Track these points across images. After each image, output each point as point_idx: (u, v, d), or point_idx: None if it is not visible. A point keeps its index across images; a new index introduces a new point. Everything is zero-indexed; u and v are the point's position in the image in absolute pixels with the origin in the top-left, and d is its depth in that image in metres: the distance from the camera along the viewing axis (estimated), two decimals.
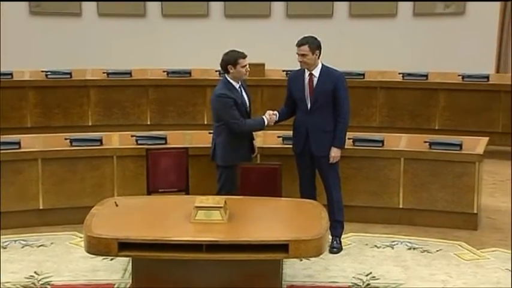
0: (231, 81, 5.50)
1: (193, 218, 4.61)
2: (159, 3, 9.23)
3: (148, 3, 9.26)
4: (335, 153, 5.50)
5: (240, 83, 5.54)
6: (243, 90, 5.56)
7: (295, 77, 5.68)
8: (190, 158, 5.95)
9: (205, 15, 9.21)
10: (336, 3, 8.94)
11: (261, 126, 5.59)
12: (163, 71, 8.17)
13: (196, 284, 4.58)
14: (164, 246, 4.36)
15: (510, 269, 5.30)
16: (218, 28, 9.18)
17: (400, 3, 8.81)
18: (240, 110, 5.46)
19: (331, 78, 5.53)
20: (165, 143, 6.15)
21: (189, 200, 4.89)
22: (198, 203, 4.67)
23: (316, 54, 5.52)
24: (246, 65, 5.48)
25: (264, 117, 5.57)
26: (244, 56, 5.49)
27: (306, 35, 5.59)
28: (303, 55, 5.51)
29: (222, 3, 9.15)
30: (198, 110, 8.05)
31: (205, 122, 7.91)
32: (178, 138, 6.35)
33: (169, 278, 4.56)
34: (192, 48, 9.06)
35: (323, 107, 5.49)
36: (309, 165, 5.60)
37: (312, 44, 5.50)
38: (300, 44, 5.52)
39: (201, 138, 6.35)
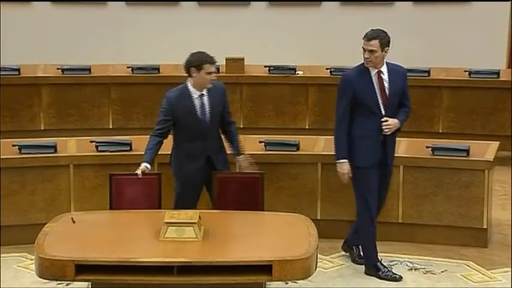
0: (190, 87, 5.42)
1: (163, 235, 4.60)
2: None
3: None
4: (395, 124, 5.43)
5: (202, 93, 5.42)
6: (205, 102, 5.44)
7: (357, 79, 5.47)
8: (160, 167, 5.95)
9: (176, 3, 9.20)
10: None
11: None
12: (128, 67, 8.15)
13: None
14: (129, 268, 4.33)
15: None
16: (190, 18, 9.18)
17: None
18: (184, 123, 5.40)
19: (399, 75, 5.55)
20: (130, 150, 6.15)
21: (158, 215, 4.87)
22: (168, 218, 4.65)
23: (386, 52, 5.45)
24: (212, 72, 5.38)
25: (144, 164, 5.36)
26: (212, 62, 5.38)
27: (374, 28, 5.52)
28: (371, 51, 5.38)
29: None
30: None
31: None
32: (143, 144, 6.31)
33: None
34: (161, 41, 9.05)
35: (395, 108, 5.49)
36: (378, 177, 5.52)
37: (383, 39, 5.44)
38: (369, 38, 5.41)
39: (171, 144, 6.34)
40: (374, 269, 5.56)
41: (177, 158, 5.55)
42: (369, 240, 5.58)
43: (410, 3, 8.91)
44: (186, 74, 5.45)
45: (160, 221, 4.64)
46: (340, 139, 5.48)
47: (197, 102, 5.42)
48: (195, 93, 5.43)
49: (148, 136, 5.49)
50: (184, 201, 5.41)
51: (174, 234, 4.59)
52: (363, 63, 5.50)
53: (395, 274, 5.54)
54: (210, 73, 5.37)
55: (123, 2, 9.21)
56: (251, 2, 9.16)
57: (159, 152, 6.20)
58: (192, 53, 5.46)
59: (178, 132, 5.50)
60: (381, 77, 5.48)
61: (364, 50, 5.42)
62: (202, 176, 5.47)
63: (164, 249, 4.52)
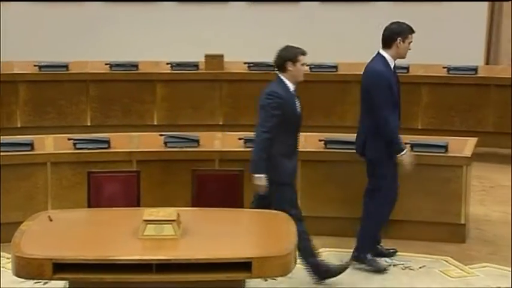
0: (287, 82, 5.34)
1: (142, 233, 4.56)
2: None
3: None
4: None
5: (295, 87, 5.36)
6: (296, 98, 5.39)
7: (390, 73, 5.66)
8: (139, 164, 5.93)
9: (155, 1, 9.16)
10: None
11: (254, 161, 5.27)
12: (106, 64, 8.10)
13: None
14: (107, 266, 4.30)
15: (501, 287, 5.40)
16: (170, 15, 9.15)
17: None
18: (288, 121, 5.29)
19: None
20: (108, 147, 6.12)
21: (136, 213, 4.83)
22: (147, 216, 4.62)
23: None
24: (304, 64, 5.36)
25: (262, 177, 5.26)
26: (305, 53, 5.33)
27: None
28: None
29: None
30: (147, 109, 8.01)
31: (155, 123, 7.88)
32: (123, 142, 6.32)
33: None
34: (140, 38, 9.02)
35: None
36: None
37: None
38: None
39: (150, 141, 6.33)
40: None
41: (273, 159, 5.27)
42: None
43: (391, 1, 8.94)
44: (276, 70, 5.36)
45: (139, 219, 4.61)
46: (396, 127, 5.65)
47: (294, 97, 5.37)
48: (291, 87, 5.35)
49: (259, 134, 5.24)
50: (296, 205, 5.38)
51: (153, 232, 4.56)
52: (381, 56, 5.66)
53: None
54: (304, 64, 5.33)
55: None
56: (230, 1, 9.15)
57: (138, 149, 6.24)
58: (281, 49, 5.36)
59: (277, 130, 5.28)
60: (396, 71, 5.80)
61: (409, 43, 5.66)
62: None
63: (143, 247, 4.49)
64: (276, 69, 5.38)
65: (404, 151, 5.58)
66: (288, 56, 5.28)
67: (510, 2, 8.97)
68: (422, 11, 8.87)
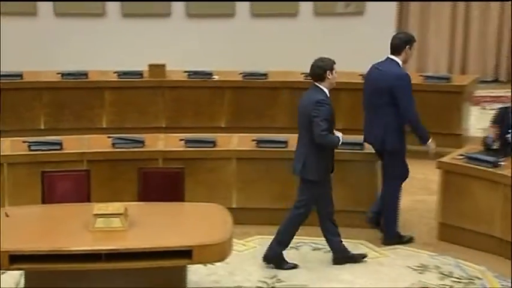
0: (324, 89, 5.35)
1: (92, 226, 4.53)
2: (52, 1, 8.99)
3: (40, 1, 9.00)
4: None
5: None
6: None
7: None
8: (89, 164, 5.86)
9: (102, 15, 9.04)
10: (237, 2, 8.99)
11: (337, 144, 5.41)
12: (58, 73, 7.96)
13: None
14: (60, 257, 4.26)
15: (410, 265, 5.51)
16: (116, 28, 9.03)
17: (301, 2, 8.96)
18: (332, 122, 5.35)
19: None
20: (61, 149, 6.03)
21: (87, 208, 4.79)
22: (97, 210, 4.59)
23: None
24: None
25: (338, 135, 5.41)
26: (335, 62, 5.44)
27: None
28: None
29: (119, 2, 9.01)
30: (96, 113, 7.89)
31: (104, 126, 7.78)
32: (74, 143, 6.23)
33: None
34: (88, 49, 8.88)
35: None
36: None
37: None
38: None
39: (99, 143, 6.27)
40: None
41: (319, 160, 5.35)
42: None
43: (312, 14, 9.01)
44: (315, 81, 5.39)
45: (90, 213, 4.58)
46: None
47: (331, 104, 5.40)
48: (328, 94, 5.38)
49: (324, 136, 5.27)
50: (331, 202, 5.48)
51: (102, 225, 4.53)
52: (394, 61, 5.83)
53: None
54: (336, 72, 5.40)
55: (53, 13, 8.99)
56: (171, 14, 9.08)
57: (88, 150, 6.15)
58: (317, 61, 5.40)
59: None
60: None
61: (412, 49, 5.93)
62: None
63: (93, 239, 4.46)
64: (314, 79, 5.39)
65: (430, 139, 5.82)
66: (327, 66, 5.34)
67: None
68: (340, 24, 8.98)
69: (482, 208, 5.67)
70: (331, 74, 5.36)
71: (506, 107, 5.99)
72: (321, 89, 5.37)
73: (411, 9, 9.37)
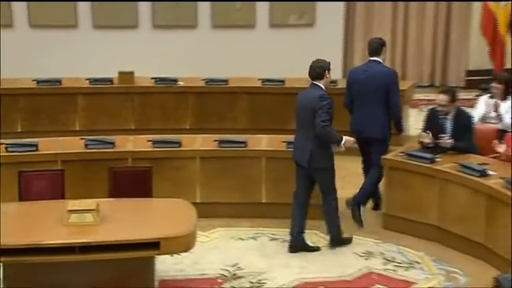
0: (323, 87, 5.50)
1: (66, 221, 4.51)
2: (27, 13, 8.87)
3: (16, 13, 8.88)
4: None
5: None
6: None
7: None
8: (63, 164, 5.82)
9: (75, 26, 8.97)
10: (199, 14, 9.00)
11: (338, 142, 5.45)
12: (33, 80, 7.88)
13: (72, 285, 4.48)
14: (37, 250, 4.23)
15: (357, 252, 5.60)
16: (87, 38, 8.97)
17: (258, 14, 9.01)
18: (332, 116, 5.45)
19: None
20: (36, 150, 5.98)
21: (61, 204, 4.76)
22: (71, 206, 4.58)
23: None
24: None
25: (343, 136, 5.49)
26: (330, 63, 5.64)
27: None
28: None
29: (91, 14, 8.95)
30: (69, 117, 7.84)
31: (77, 128, 7.73)
32: (49, 145, 6.17)
33: (43, 281, 4.42)
34: (62, 58, 8.79)
35: None
36: None
37: None
38: None
39: (73, 144, 6.23)
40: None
41: (326, 150, 5.48)
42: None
43: (268, 26, 9.07)
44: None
45: (64, 209, 4.56)
46: None
47: None
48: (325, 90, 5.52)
49: (324, 128, 5.37)
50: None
51: (76, 220, 4.51)
52: (378, 61, 6.12)
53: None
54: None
55: (28, 25, 8.88)
56: (139, 25, 9.05)
57: (62, 151, 6.11)
58: (316, 62, 5.59)
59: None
60: None
61: None
62: None
63: (67, 233, 4.44)
64: (313, 78, 5.55)
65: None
66: (326, 66, 5.53)
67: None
68: (293, 35, 9.06)
69: (421, 199, 5.78)
70: (328, 73, 5.55)
71: (434, 108, 6.09)
72: (319, 86, 5.53)
73: (356, 22, 9.49)
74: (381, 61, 6.13)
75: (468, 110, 6.35)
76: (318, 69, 5.53)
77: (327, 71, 5.53)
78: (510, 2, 7.92)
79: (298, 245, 5.60)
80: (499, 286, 3.67)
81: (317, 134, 5.38)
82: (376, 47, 6.12)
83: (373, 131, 6.05)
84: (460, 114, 5.94)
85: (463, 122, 5.91)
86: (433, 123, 5.99)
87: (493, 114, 6.40)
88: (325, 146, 5.49)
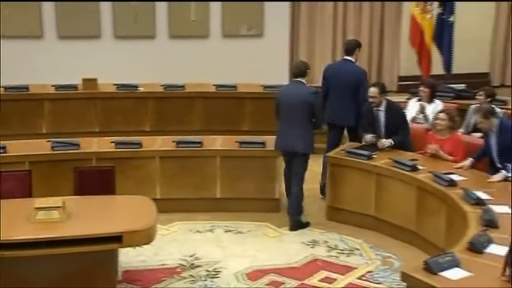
0: (305, 83, 5.79)
1: (34, 218, 4.38)
2: None
3: None
4: None
5: None
6: None
7: None
8: (31, 165, 5.66)
9: (41, 36, 8.73)
10: (158, 25, 8.91)
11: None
12: (1, 87, 7.64)
13: (40, 278, 4.35)
14: (6, 245, 4.10)
15: (304, 241, 5.61)
16: (53, 48, 8.74)
17: (211, 26, 8.98)
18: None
19: None
20: (5, 152, 5.81)
21: (29, 202, 4.62)
22: (38, 204, 4.45)
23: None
24: None
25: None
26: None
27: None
28: None
29: (56, 25, 8.73)
30: (37, 121, 7.63)
31: (44, 131, 7.53)
32: (18, 147, 6.00)
33: (12, 275, 4.28)
34: (29, 66, 8.53)
35: None
36: None
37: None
38: None
39: (40, 146, 6.07)
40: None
41: (312, 138, 5.75)
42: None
43: (221, 36, 9.03)
44: (299, 77, 5.78)
45: (32, 207, 4.43)
46: None
47: None
48: None
49: (322, 118, 5.89)
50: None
51: (43, 217, 4.39)
52: (350, 60, 6.41)
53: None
54: None
55: None
56: (101, 35, 8.89)
57: (30, 153, 5.94)
58: (299, 63, 6.06)
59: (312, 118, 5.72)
60: None
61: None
62: None
63: (35, 229, 4.31)
64: (298, 75, 5.78)
65: None
66: (308, 65, 5.89)
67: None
68: (244, 44, 9.04)
69: (360, 192, 5.85)
70: (309, 70, 5.90)
71: (368, 101, 6.10)
72: (303, 82, 5.75)
73: (301, 35, 9.54)
74: (353, 60, 6.35)
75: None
76: (303, 68, 5.80)
77: (309, 70, 5.86)
78: (434, 15, 8.08)
79: (296, 225, 5.79)
80: (428, 268, 3.72)
81: (318, 128, 5.81)
82: (350, 48, 6.37)
83: (346, 120, 6.30)
84: (391, 106, 6.08)
85: (396, 115, 6.06)
86: (369, 116, 6.09)
87: (420, 115, 6.52)
88: (311, 134, 5.73)
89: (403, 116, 6.15)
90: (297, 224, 5.81)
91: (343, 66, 6.36)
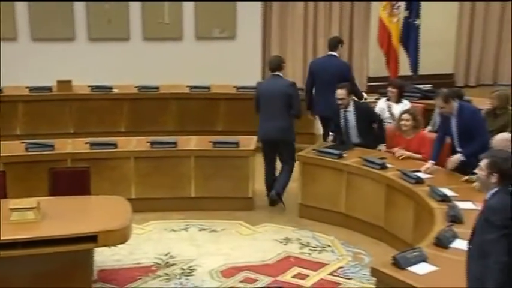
0: (283, 76, 6.10)
1: (9, 219, 4.33)
2: None
3: None
4: None
5: None
6: None
7: None
8: (5, 166, 5.59)
9: (14, 39, 8.62)
10: (132, 28, 8.87)
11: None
12: None
13: (15, 279, 4.30)
14: None
15: (277, 239, 5.65)
16: (27, 50, 8.64)
17: (185, 28, 8.98)
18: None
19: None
20: None
21: (4, 203, 4.56)
22: (13, 205, 4.40)
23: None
24: None
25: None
26: None
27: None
28: None
29: (29, 27, 8.63)
30: (11, 123, 7.53)
31: (18, 133, 7.44)
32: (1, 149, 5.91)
33: None
34: (3, 68, 8.40)
35: None
36: None
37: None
38: None
39: (15, 148, 6.00)
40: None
41: (294, 126, 6.11)
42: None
43: (194, 38, 9.03)
44: (276, 71, 6.05)
45: (6, 208, 4.38)
46: None
47: None
48: None
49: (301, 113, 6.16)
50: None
51: (18, 217, 4.35)
52: (335, 55, 6.80)
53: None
54: None
55: None
56: (76, 38, 8.81)
57: (4, 154, 5.86)
58: (274, 58, 6.32)
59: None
60: None
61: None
62: None
63: (10, 229, 4.26)
64: (275, 69, 6.05)
65: None
66: (283, 59, 6.25)
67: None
68: (217, 47, 9.06)
69: (331, 190, 5.89)
70: (284, 64, 6.22)
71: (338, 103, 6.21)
72: (281, 76, 6.06)
73: (273, 36, 9.59)
74: (337, 55, 6.73)
75: None
76: (279, 62, 6.07)
77: (283, 64, 6.12)
78: (401, 18, 8.20)
79: (279, 198, 6.12)
80: (397, 264, 3.78)
81: (297, 117, 6.06)
82: (333, 44, 6.76)
83: (331, 112, 6.39)
84: (359, 106, 6.15)
85: (366, 113, 6.16)
86: (336, 119, 6.16)
87: (387, 114, 6.61)
88: (293, 124, 6.04)
89: (372, 110, 6.30)
90: (279, 198, 6.13)
91: (329, 61, 6.70)
